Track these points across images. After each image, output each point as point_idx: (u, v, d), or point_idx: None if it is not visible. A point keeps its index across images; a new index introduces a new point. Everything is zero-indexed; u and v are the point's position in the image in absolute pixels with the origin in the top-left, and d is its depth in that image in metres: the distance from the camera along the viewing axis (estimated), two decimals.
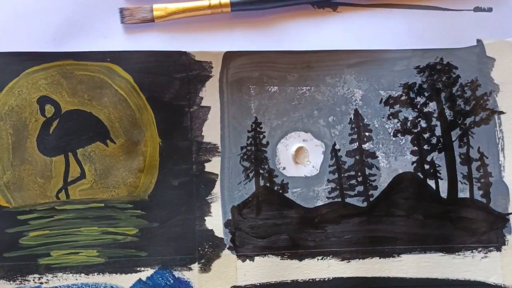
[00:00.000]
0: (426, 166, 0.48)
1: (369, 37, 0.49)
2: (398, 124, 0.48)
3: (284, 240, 0.46)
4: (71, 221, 0.46)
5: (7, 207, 0.45)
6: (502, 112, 0.48)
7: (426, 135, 0.48)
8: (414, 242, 0.46)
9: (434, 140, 0.48)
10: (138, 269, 0.45)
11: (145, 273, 0.45)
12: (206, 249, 0.46)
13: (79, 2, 0.48)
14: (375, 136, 0.48)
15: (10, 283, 0.45)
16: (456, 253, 0.46)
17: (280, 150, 0.47)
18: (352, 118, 0.48)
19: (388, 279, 0.46)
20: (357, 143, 0.48)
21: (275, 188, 0.47)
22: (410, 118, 0.48)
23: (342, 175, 0.47)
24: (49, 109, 0.46)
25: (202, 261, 0.46)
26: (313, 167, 0.47)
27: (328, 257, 0.46)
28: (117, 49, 0.47)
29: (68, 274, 0.45)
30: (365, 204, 0.47)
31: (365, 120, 0.48)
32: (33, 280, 0.45)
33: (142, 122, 0.47)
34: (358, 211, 0.47)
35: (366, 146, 0.48)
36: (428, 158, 0.48)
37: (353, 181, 0.47)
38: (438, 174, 0.47)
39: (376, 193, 0.47)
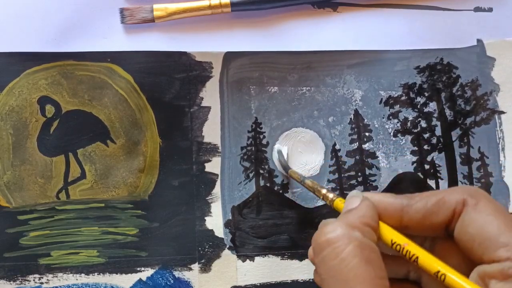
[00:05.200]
0: (427, 166, 0.48)
1: (369, 37, 0.49)
2: (398, 124, 0.48)
3: (284, 240, 0.46)
4: (72, 221, 0.46)
5: (7, 207, 0.45)
6: (502, 112, 0.48)
7: (426, 135, 0.48)
8: None
9: (434, 140, 0.48)
10: (138, 269, 0.45)
11: (145, 273, 0.45)
12: (206, 249, 0.46)
13: (79, 2, 0.48)
14: (375, 136, 0.48)
15: (11, 283, 0.45)
16: None
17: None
18: (352, 118, 0.48)
19: None
20: (357, 143, 0.48)
21: (275, 188, 0.47)
22: (410, 118, 0.48)
23: (342, 175, 0.47)
24: (50, 109, 0.47)
25: (202, 261, 0.46)
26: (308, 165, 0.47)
27: None
28: (118, 49, 0.47)
29: (68, 274, 0.45)
30: None
31: (365, 120, 0.48)
32: (34, 280, 0.45)
33: (142, 122, 0.47)
34: None
35: (366, 146, 0.48)
36: (429, 158, 0.48)
37: (353, 181, 0.47)
38: (439, 174, 0.47)
39: None
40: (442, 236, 0.35)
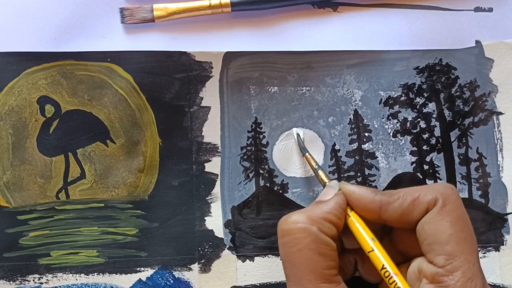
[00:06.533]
0: (425, 167, 0.48)
1: (369, 37, 0.49)
2: (398, 125, 0.48)
3: None
4: (71, 221, 0.46)
5: (7, 207, 0.45)
6: (500, 113, 0.48)
7: (425, 136, 0.48)
8: None
9: (433, 141, 0.48)
10: (138, 269, 0.45)
11: (145, 273, 0.45)
12: (206, 249, 0.46)
13: (79, 2, 0.48)
14: (374, 136, 0.48)
15: (10, 283, 0.45)
16: None
17: (280, 150, 0.47)
18: (352, 118, 0.48)
19: None
20: (356, 143, 0.48)
21: (275, 188, 0.47)
22: (410, 118, 0.48)
23: (342, 175, 0.47)
24: (49, 109, 0.46)
25: (202, 261, 0.46)
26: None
27: None
28: (117, 49, 0.47)
29: (68, 274, 0.45)
30: None
31: (365, 121, 0.48)
32: (33, 280, 0.45)
33: (142, 122, 0.47)
34: None
35: (365, 146, 0.48)
36: (427, 159, 0.48)
37: (353, 182, 0.47)
38: (437, 175, 0.48)
39: None
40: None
